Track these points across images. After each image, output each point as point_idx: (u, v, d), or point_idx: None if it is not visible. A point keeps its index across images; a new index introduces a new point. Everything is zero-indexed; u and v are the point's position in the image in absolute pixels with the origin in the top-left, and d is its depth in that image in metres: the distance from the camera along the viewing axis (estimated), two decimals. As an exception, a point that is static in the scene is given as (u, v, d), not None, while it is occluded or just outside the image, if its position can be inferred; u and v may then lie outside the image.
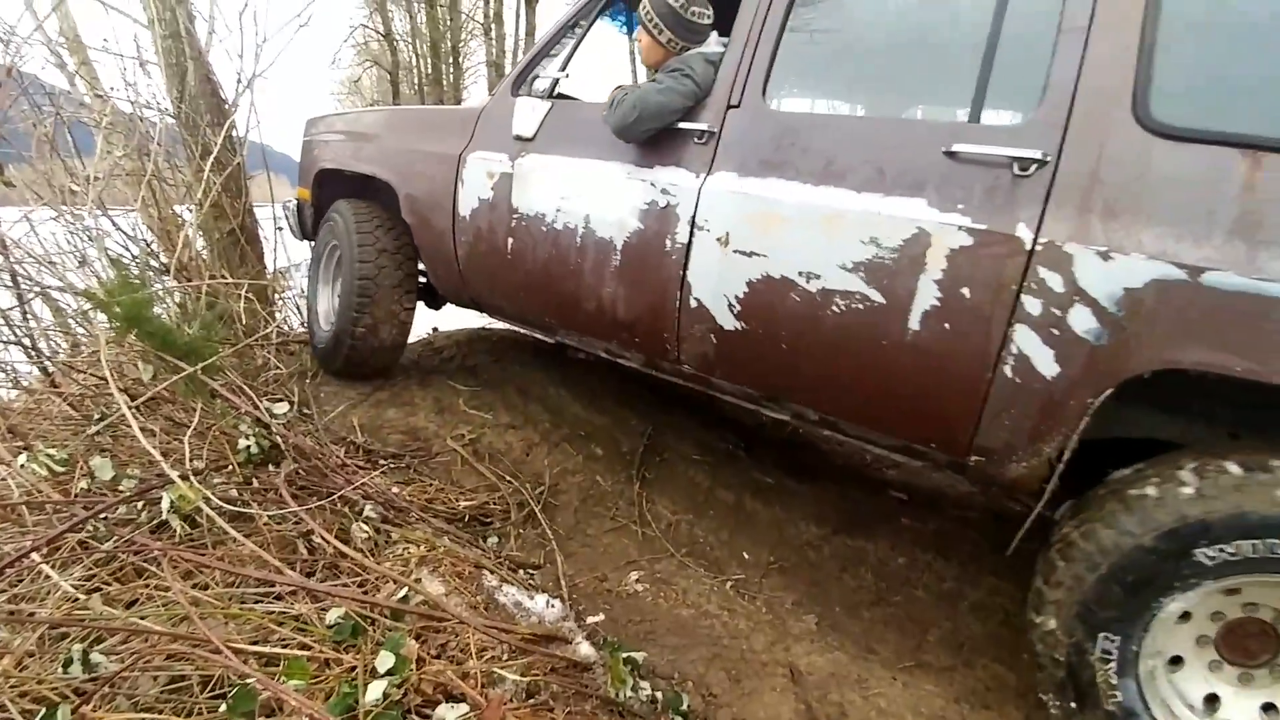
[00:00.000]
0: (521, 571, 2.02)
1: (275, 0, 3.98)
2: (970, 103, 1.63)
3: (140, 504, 1.75)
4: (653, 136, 2.05)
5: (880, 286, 1.63)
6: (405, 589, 1.59)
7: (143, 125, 3.77)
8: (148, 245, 3.51)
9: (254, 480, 1.98)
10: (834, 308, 1.71)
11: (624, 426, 2.99)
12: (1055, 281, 1.41)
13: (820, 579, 2.28)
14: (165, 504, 1.63)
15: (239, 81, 3.94)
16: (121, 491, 1.76)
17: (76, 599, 1.50)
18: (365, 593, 1.63)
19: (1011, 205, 1.48)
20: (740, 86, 1.93)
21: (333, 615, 1.49)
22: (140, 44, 3.83)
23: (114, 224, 3.48)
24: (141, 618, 1.46)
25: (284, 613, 1.54)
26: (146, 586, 1.58)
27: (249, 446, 2.03)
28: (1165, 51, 1.38)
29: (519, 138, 2.41)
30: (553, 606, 1.72)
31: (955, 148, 1.56)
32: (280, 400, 2.57)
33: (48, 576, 1.53)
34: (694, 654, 1.74)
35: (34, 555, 1.53)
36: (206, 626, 1.38)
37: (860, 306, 1.67)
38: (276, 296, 4.07)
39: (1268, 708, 1.35)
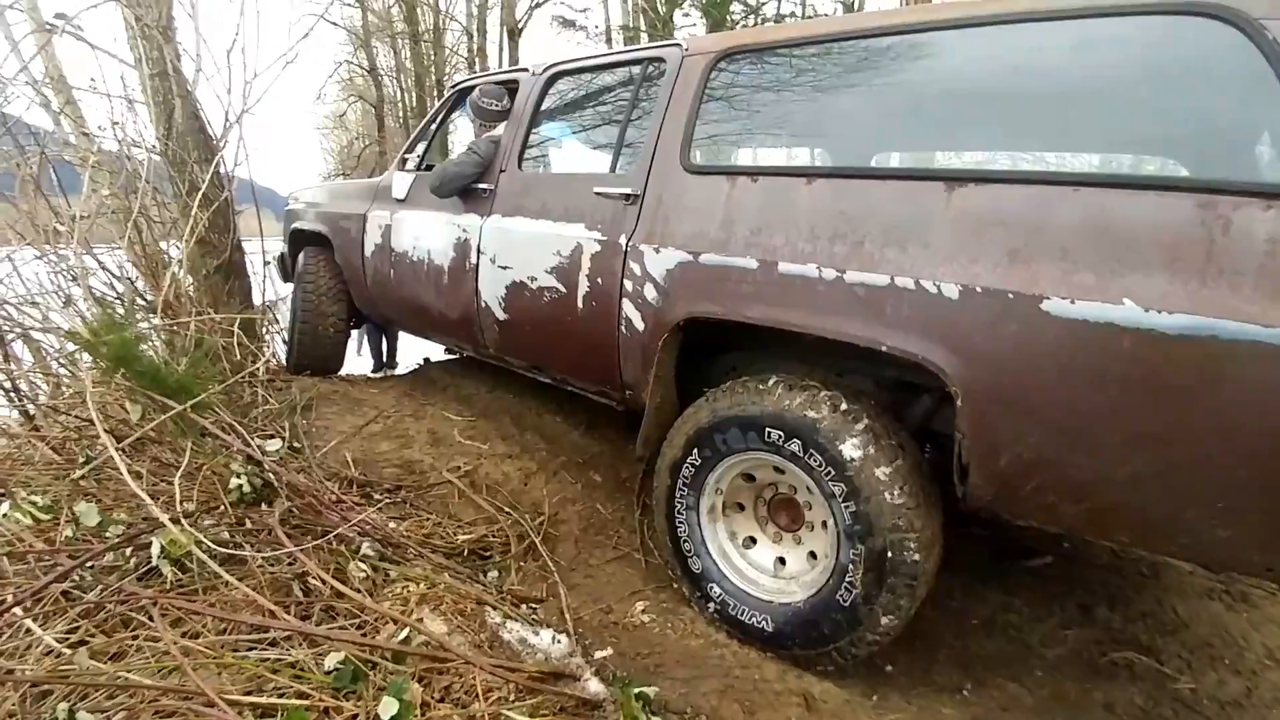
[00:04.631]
0: (524, 606, 1.96)
1: (262, 38, 4.01)
2: (611, 160, 2.43)
3: (128, 550, 1.69)
4: (462, 193, 2.89)
5: (563, 282, 2.38)
6: (406, 630, 1.54)
7: (130, 163, 3.74)
8: (133, 283, 3.46)
9: (246, 521, 1.92)
10: (544, 298, 2.47)
11: (622, 452, 2.96)
12: (636, 269, 2.12)
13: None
14: (155, 549, 1.57)
15: (226, 118, 3.93)
16: (108, 538, 1.70)
17: (61, 654, 1.44)
18: (365, 635, 1.58)
19: (621, 223, 2.21)
20: (508, 158, 2.79)
21: (331, 660, 1.44)
22: (127, 83, 3.83)
23: (99, 263, 3.43)
24: (129, 671, 1.40)
25: (280, 659, 1.48)
26: (135, 637, 1.52)
27: (241, 485, 1.97)
28: (699, 125, 2.12)
29: (396, 199, 3.31)
30: (559, 642, 1.67)
31: (598, 189, 2.32)
32: (272, 437, 2.52)
33: (30, 631, 1.47)
34: (706, 686, 1.68)
35: (16, 609, 1.47)
36: (199, 677, 1.33)
37: (556, 296, 2.42)
38: (265, 331, 4.03)
39: (781, 560, 1.96)
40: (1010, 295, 1.42)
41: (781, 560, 1.95)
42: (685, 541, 2.02)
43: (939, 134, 1.91)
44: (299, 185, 4.50)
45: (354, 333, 4.31)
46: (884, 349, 1.58)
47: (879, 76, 1.85)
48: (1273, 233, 1.22)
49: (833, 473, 1.68)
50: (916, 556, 1.61)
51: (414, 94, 17.75)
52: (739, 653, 1.85)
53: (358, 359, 4.76)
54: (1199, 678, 1.88)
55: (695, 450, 1.96)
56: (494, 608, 1.79)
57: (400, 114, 19.37)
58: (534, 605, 2.00)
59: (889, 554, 1.61)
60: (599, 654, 1.78)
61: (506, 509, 2.46)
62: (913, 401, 1.85)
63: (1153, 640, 2.02)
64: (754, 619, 1.87)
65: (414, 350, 4.66)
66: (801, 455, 1.73)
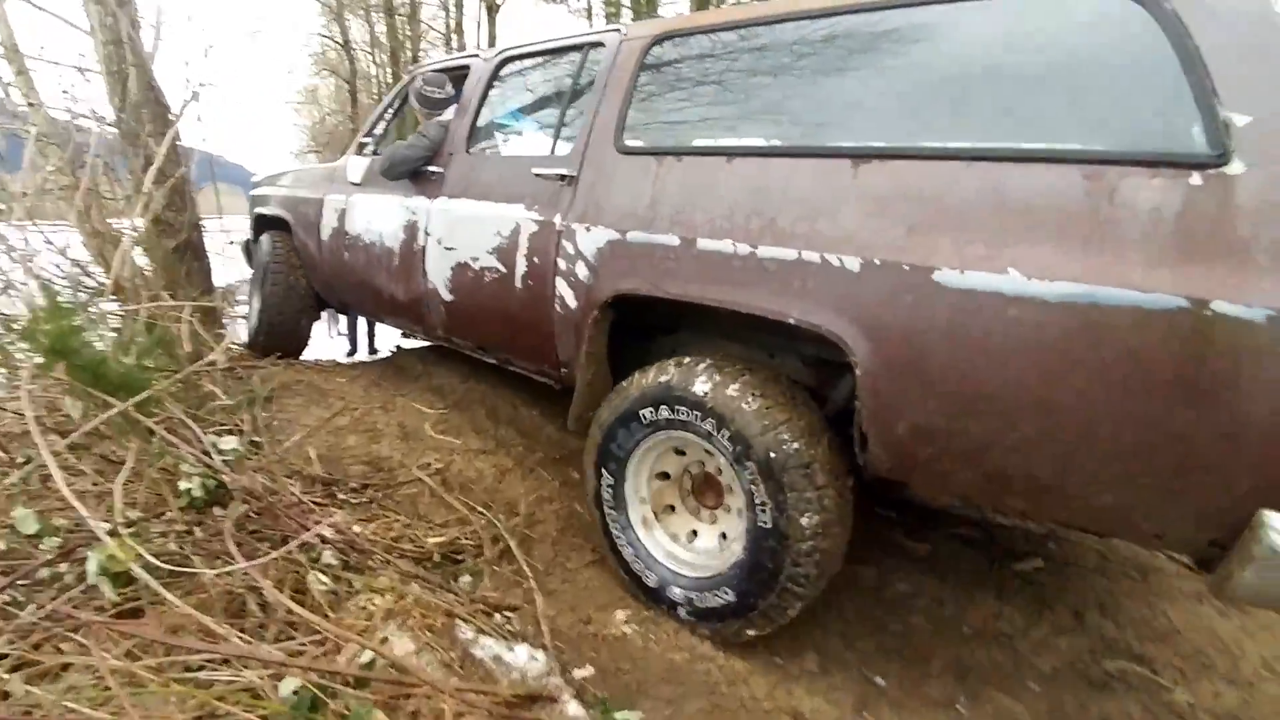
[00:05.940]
0: (498, 615, 1.86)
1: (225, 6, 3.80)
2: (551, 143, 2.45)
3: (63, 566, 1.55)
4: (412, 176, 2.92)
5: (503, 261, 2.42)
6: (369, 652, 1.42)
7: (79, 135, 3.51)
8: (80, 265, 3.25)
9: (197, 528, 1.78)
10: (486, 278, 2.51)
11: (602, 448, 2.85)
12: (569, 248, 2.17)
13: (814, 606, 2.17)
14: (91, 566, 1.43)
15: (187, 85, 3.72)
16: (43, 551, 1.55)
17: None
18: (325, 654, 1.46)
19: (556, 203, 2.26)
20: (456, 142, 2.84)
21: (287, 686, 1.32)
22: (82, 52, 3.60)
23: (47, 240, 3.22)
24: (69, 699, 1.27)
25: (232, 682, 1.36)
26: (80, 655, 1.38)
27: (190, 490, 1.83)
28: (632, 107, 2.17)
29: (352, 183, 3.32)
30: (535, 659, 1.57)
31: (536, 170, 2.37)
32: (230, 432, 2.37)
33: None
34: (691, 705, 1.60)
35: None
36: (141, 707, 1.21)
37: (496, 275, 2.46)
38: (224, 317, 3.85)
39: (723, 535, 1.98)
40: (906, 267, 1.46)
41: (724, 535, 1.98)
42: (635, 562, 2.03)
43: (852, 114, 1.80)
44: (268, 163, 4.40)
45: (323, 315, 4.15)
46: (791, 321, 1.63)
47: (803, 60, 1.87)
48: (1158, 201, 1.24)
49: (699, 414, 1.77)
50: (796, 445, 1.65)
51: (389, 70, 17.26)
52: (725, 666, 1.77)
53: (330, 341, 4.57)
54: (1193, 688, 1.84)
55: (604, 470, 2.04)
56: (465, 621, 1.68)
57: (374, 90, 18.86)
58: (508, 614, 1.89)
59: (771, 454, 1.66)
60: (578, 673, 1.68)
61: (480, 509, 2.35)
62: (838, 381, 1.88)
63: (1145, 648, 1.97)
64: (720, 598, 1.85)
65: (389, 340, 4.49)
66: (674, 417, 1.83)
